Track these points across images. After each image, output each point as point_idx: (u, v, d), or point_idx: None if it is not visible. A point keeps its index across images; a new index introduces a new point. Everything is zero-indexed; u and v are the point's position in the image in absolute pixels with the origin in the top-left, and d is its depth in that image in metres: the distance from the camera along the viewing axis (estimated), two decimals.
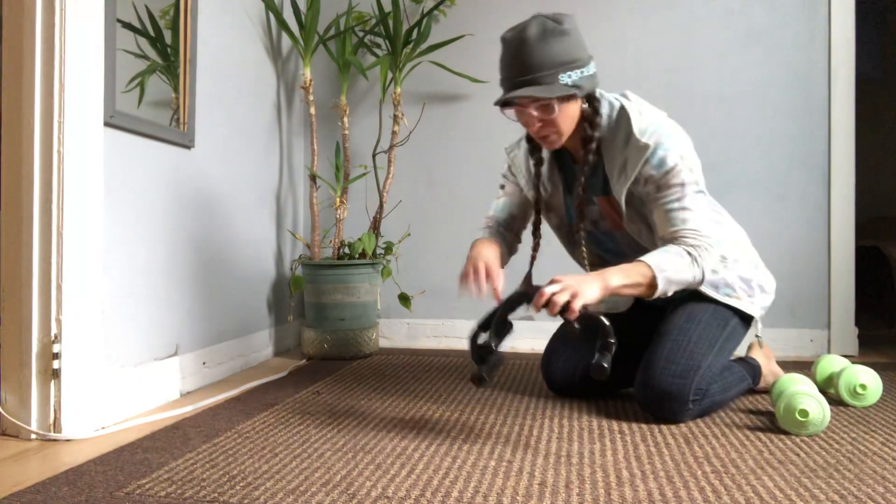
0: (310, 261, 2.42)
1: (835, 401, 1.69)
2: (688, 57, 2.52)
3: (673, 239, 1.47)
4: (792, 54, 2.46)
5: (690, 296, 1.62)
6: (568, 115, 1.48)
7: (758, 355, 1.84)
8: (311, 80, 2.46)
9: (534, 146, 1.63)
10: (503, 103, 1.47)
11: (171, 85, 1.84)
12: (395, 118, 2.50)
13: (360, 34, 2.59)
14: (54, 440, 1.43)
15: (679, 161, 1.47)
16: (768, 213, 2.47)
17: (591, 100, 1.52)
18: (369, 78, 2.67)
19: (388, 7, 2.55)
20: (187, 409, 1.67)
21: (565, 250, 1.80)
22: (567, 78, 1.42)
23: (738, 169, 2.48)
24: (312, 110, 2.50)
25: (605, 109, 1.54)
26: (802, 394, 1.42)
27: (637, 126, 1.49)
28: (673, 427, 1.49)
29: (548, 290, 1.29)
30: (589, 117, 1.51)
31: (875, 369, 1.72)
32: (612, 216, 1.63)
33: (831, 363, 1.79)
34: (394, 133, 2.51)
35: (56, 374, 1.43)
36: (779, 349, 2.44)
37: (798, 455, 1.29)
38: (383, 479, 1.17)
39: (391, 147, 2.51)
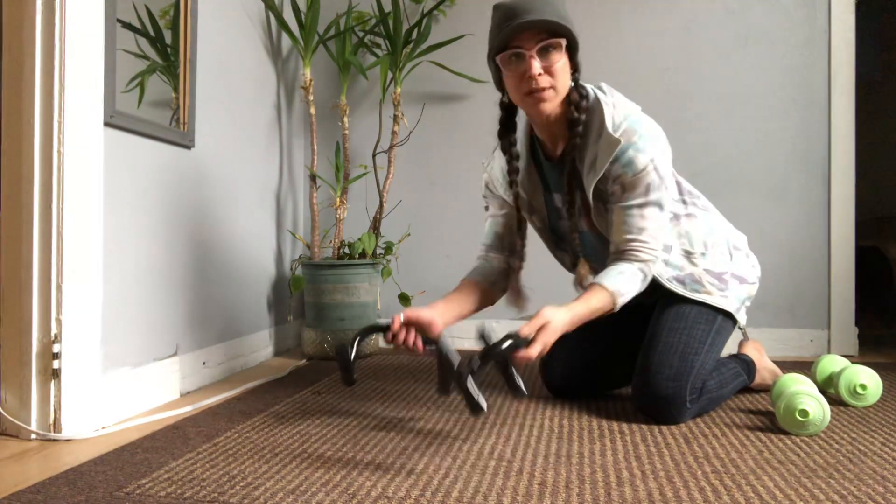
0: (310, 261, 2.42)
1: (835, 401, 1.69)
2: (688, 57, 2.52)
3: (625, 250, 1.46)
4: (792, 54, 2.46)
5: (676, 294, 1.61)
6: (565, 75, 1.42)
7: (749, 351, 1.83)
8: (311, 80, 2.46)
9: (507, 142, 1.55)
10: (501, 46, 1.38)
11: (171, 85, 1.84)
12: (395, 118, 2.50)
13: (360, 34, 2.59)
14: (54, 440, 1.43)
15: (649, 163, 1.43)
16: (768, 213, 2.47)
17: (576, 84, 1.47)
18: (369, 78, 2.67)
19: (388, 7, 2.55)
20: (187, 409, 1.67)
21: (552, 252, 1.77)
22: (571, 31, 1.38)
23: (738, 169, 2.48)
24: (312, 110, 2.50)
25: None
26: (802, 394, 1.42)
27: (609, 120, 1.45)
28: (673, 427, 1.49)
29: (533, 354, 1.27)
30: (575, 100, 1.46)
31: (875, 369, 1.72)
32: (588, 213, 1.58)
33: (831, 363, 1.79)
34: (394, 133, 2.51)
35: (56, 374, 1.43)
36: (779, 349, 2.44)
37: (798, 455, 1.29)
38: (383, 479, 1.17)
39: (391, 147, 2.51)
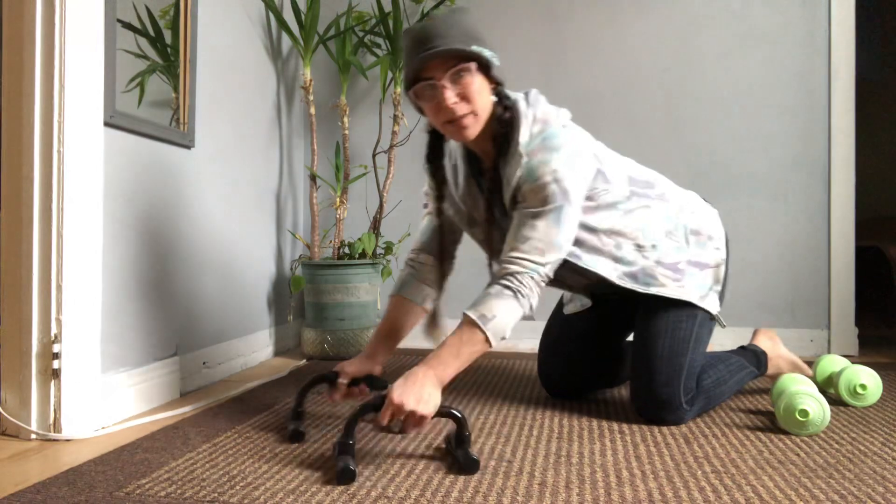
0: (310, 261, 2.42)
1: (835, 401, 1.69)
2: (688, 57, 2.52)
3: (505, 266, 1.35)
4: (792, 54, 2.46)
5: (650, 296, 1.56)
6: (483, 95, 1.36)
7: (762, 342, 1.81)
8: (311, 80, 2.46)
9: (433, 153, 1.50)
10: (413, 78, 1.33)
11: (171, 85, 1.84)
12: (395, 118, 2.50)
13: (360, 34, 2.59)
14: (54, 440, 1.43)
15: (548, 175, 1.35)
16: (768, 213, 2.47)
17: (500, 97, 1.41)
18: (369, 78, 2.67)
19: (388, 7, 2.55)
20: (187, 409, 1.67)
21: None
22: (481, 50, 1.32)
23: (738, 169, 2.48)
24: (312, 110, 2.50)
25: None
26: (802, 394, 1.42)
27: (526, 132, 1.39)
28: (673, 427, 1.49)
29: (390, 423, 1.20)
30: (499, 115, 1.40)
31: (875, 369, 1.72)
32: None
33: (831, 363, 1.79)
34: (394, 133, 2.51)
35: (56, 374, 1.43)
36: None
37: (798, 455, 1.29)
38: (383, 479, 1.17)
39: (391, 147, 2.51)
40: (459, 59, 1.32)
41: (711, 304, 1.58)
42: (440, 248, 1.59)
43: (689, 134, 2.51)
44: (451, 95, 1.32)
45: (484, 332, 1.29)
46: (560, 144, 1.37)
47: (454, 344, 1.29)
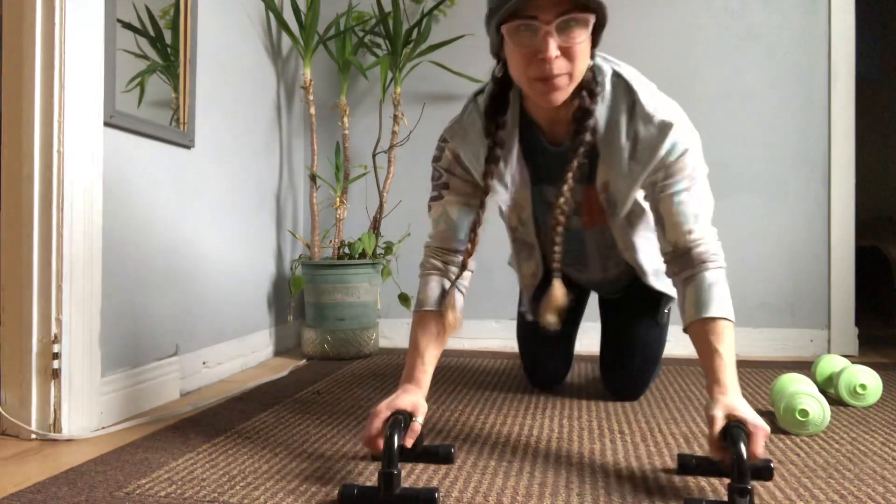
0: (310, 261, 2.42)
1: (835, 401, 1.69)
2: (688, 57, 2.52)
3: (692, 254, 1.22)
4: (792, 54, 2.46)
5: (627, 284, 1.65)
6: (585, 59, 1.14)
7: None
8: (311, 80, 2.46)
9: (494, 124, 1.24)
10: (511, 11, 1.07)
11: (171, 85, 1.84)
12: (395, 118, 2.50)
13: (360, 34, 2.59)
14: (54, 440, 1.43)
15: (690, 146, 1.22)
16: (768, 213, 2.47)
17: (594, 63, 1.22)
18: (369, 78, 2.67)
19: (388, 7, 2.55)
20: (187, 409, 1.67)
21: (515, 259, 1.59)
22: (603, 4, 1.10)
23: (738, 169, 2.48)
24: (312, 110, 2.50)
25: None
26: (802, 394, 1.42)
27: (647, 100, 1.21)
28: (673, 426, 1.49)
29: (760, 450, 1.04)
30: (589, 85, 1.20)
31: (875, 369, 1.72)
32: (592, 210, 1.39)
33: (831, 363, 1.79)
34: (394, 133, 2.51)
35: (56, 374, 1.43)
36: (779, 349, 2.44)
37: (798, 455, 1.29)
38: None
39: (391, 147, 2.51)
40: (576, 7, 1.07)
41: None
42: (473, 243, 1.30)
43: None
44: (553, 47, 1.07)
45: (732, 321, 1.19)
46: (679, 109, 1.24)
47: (724, 357, 1.15)
